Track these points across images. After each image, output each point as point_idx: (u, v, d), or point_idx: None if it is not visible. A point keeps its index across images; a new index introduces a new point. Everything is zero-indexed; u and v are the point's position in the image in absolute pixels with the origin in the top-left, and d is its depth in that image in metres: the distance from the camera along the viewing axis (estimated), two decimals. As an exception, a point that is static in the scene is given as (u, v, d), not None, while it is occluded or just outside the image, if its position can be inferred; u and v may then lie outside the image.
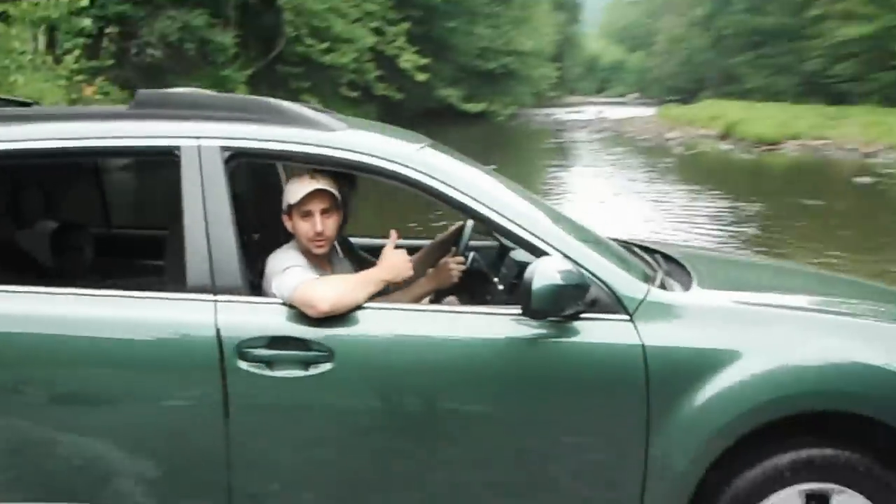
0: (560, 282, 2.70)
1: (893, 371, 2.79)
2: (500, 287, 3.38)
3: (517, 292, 2.89)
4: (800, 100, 42.52)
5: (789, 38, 48.87)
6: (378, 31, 28.61)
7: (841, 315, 3.14)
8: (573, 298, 2.71)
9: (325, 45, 26.06)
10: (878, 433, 2.89)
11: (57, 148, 3.07)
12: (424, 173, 2.98)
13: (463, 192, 3.00)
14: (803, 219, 13.14)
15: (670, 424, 2.69)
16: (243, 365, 2.78)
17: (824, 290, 3.63)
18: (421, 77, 29.80)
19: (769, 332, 2.85)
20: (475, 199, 2.97)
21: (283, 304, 2.92)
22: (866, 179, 18.51)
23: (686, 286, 3.13)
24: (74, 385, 2.85)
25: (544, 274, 2.71)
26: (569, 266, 2.78)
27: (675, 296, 3.01)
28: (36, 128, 3.13)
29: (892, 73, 37.33)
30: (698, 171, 22.13)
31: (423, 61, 29.86)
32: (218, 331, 2.81)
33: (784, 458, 2.83)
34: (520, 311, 2.76)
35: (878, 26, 37.57)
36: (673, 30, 66.56)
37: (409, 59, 29.52)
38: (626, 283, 2.87)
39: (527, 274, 2.76)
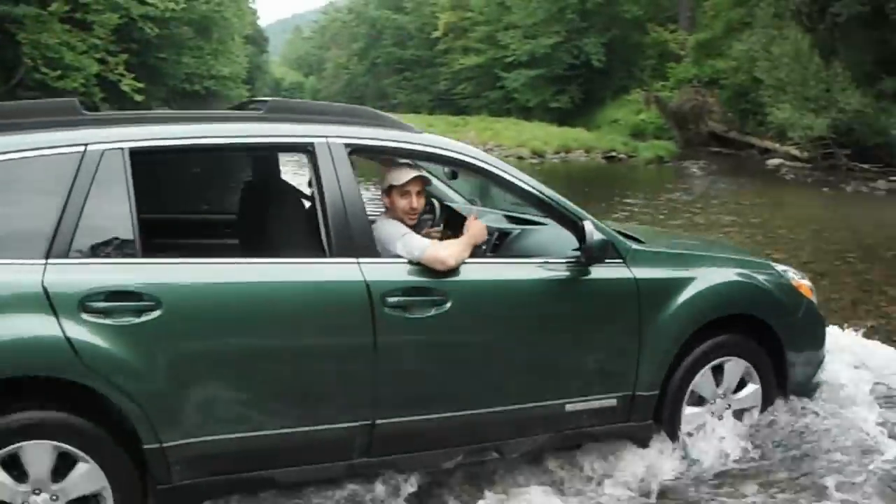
0: (604, 239, 3.96)
1: (769, 287, 4.46)
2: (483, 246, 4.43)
3: (513, 246, 4.33)
4: (433, 112, 46.65)
5: (425, 66, 54.07)
6: (102, 61, 29.87)
7: (735, 258, 4.60)
8: (605, 250, 3.93)
9: (57, 73, 27.16)
10: (757, 327, 4.43)
11: (217, 144, 3.51)
12: (488, 163, 3.95)
13: (514, 177, 4.02)
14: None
15: (653, 322, 3.98)
16: (386, 310, 3.49)
17: (718, 247, 5.17)
18: (139, 98, 31.44)
19: (704, 268, 4.24)
20: (525, 182, 3.98)
21: (410, 261, 3.64)
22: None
23: (643, 245, 4.44)
24: (262, 335, 3.31)
25: (595, 235, 3.87)
26: (599, 231, 3.98)
27: (644, 249, 4.25)
28: (198, 127, 3.55)
29: (497, 92, 42.49)
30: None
31: (140, 85, 31.39)
32: (367, 285, 3.46)
33: (705, 344, 4.25)
34: (574, 260, 3.91)
35: (486, 58, 43.24)
36: (337, 59, 73.09)
37: (128, 84, 30.63)
38: (620, 241, 4.17)
39: (588, 235, 3.84)
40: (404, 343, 3.67)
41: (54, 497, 3.16)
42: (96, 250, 3.20)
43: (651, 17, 37.79)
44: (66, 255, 3.12)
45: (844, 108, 19.56)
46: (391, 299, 3.62)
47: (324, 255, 3.60)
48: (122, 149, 3.25)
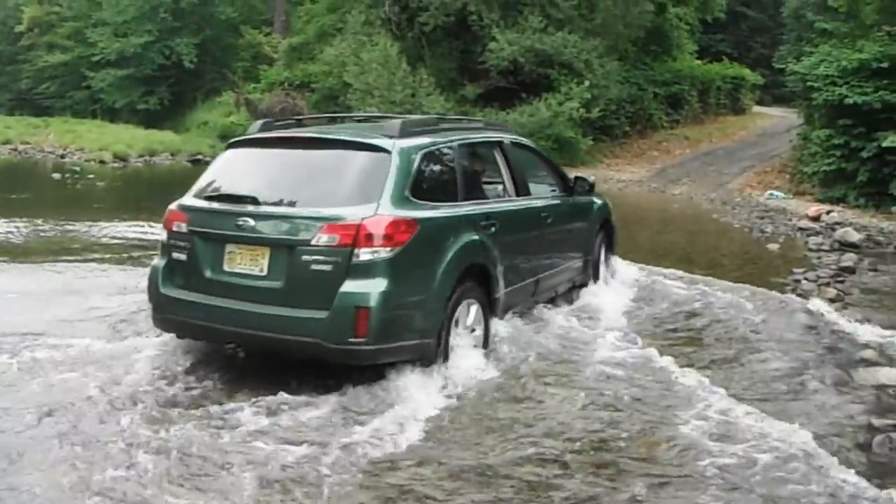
0: (593, 180, 8.45)
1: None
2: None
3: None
4: (13, 113, 41.11)
5: (6, 63, 47.78)
6: None
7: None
8: (593, 186, 7.92)
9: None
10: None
11: (487, 140, 6.52)
12: (539, 150, 8.09)
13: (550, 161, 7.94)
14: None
15: (602, 229, 8.27)
16: (545, 218, 6.74)
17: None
18: None
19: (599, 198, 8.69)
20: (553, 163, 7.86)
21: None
22: (58, 175, 19.17)
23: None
24: (528, 230, 6.37)
25: (588, 179, 7.96)
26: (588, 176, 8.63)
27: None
28: (477, 132, 6.57)
29: (83, 92, 38.13)
30: None
31: None
32: (538, 209, 6.71)
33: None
34: (569, 193, 7.49)
35: (73, 56, 38.55)
36: None
37: None
38: (590, 180, 7.88)
39: (589, 179, 7.72)
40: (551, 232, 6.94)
41: (472, 329, 5.38)
42: (476, 196, 5.99)
43: (246, 20, 36.25)
44: (467, 200, 5.66)
45: (428, 111, 19.02)
46: (545, 214, 6.76)
47: (515, 196, 6.50)
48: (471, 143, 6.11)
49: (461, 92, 20.21)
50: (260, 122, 5.99)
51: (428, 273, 5.00)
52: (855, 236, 11.20)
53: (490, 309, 5.68)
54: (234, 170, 5.56)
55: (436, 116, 7.16)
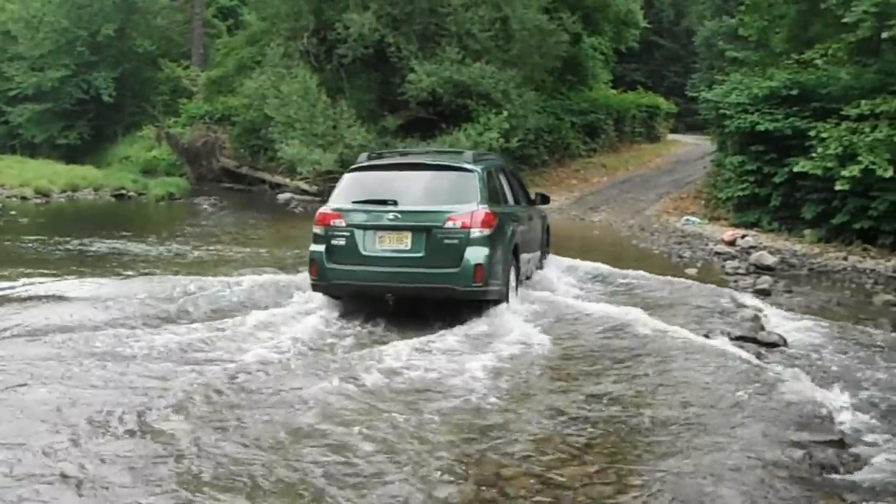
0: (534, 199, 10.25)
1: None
2: None
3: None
4: None
5: None
6: None
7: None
8: (548, 199, 10.27)
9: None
10: None
11: (500, 165, 9.00)
12: (515, 174, 11.11)
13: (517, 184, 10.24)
14: None
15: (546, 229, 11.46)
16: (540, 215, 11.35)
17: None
18: None
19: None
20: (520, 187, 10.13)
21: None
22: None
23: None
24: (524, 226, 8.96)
25: (545, 193, 10.70)
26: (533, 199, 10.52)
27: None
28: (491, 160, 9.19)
29: (1, 127, 34.86)
30: None
31: None
32: (538, 212, 10.31)
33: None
34: (532, 203, 9.88)
35: None
36: None
37: None
38: (545, 194, 10.44)
39: (545, 193, 10.69)
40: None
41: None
42: (507, 201, 8.60)
43: (164, 53, 34.77)
44: (506, 203, 8.37)
45: (351, 143, 18.62)
46: (529, 216, 9.35)
47: (514, 204, 8.93)
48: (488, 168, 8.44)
49: (382, 123, 19.86)
50: (365, 154, 8.42)
51: (503, 245, 7.64)
52: (770, 259, 11.19)
53: (517, 273, 8.40)
54: (364, 185, 7.78)
55: (473, 151, 9.34)
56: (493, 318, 7.53)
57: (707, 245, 12.64)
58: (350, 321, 7.45)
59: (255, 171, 24.53)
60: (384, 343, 6.63)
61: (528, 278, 9.25)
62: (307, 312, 7.76)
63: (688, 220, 15.91)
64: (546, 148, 23.31)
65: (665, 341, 6.33)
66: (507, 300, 7.89)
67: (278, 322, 7.33)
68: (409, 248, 7.41)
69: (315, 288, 7.89)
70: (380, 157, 8.85)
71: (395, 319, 7.52)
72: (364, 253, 7.57)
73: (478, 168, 8.03)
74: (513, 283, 8.20)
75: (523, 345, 6.59)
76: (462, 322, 7.36)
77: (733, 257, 11.42)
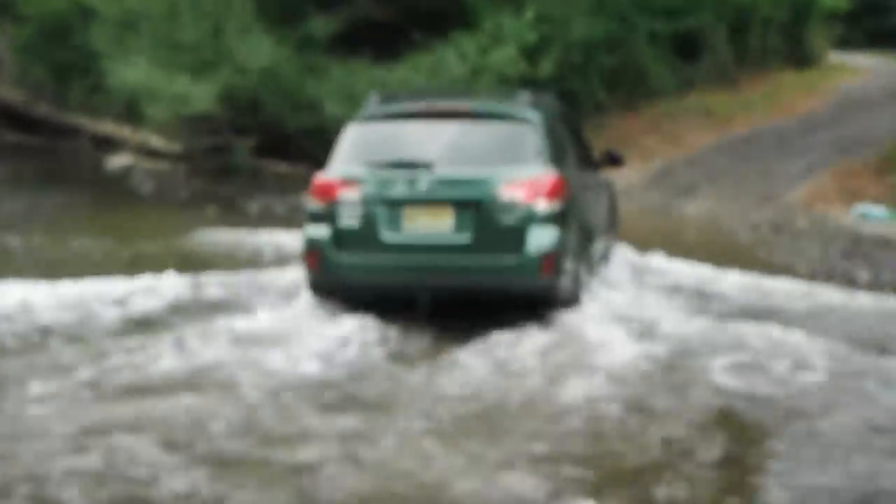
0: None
1: None
2: None
3: None
4: None
5: None
6: None
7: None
8: (618, 161, 10.84)
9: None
10: None
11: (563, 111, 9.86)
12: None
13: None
14: None
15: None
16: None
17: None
18: None
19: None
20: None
21: None
22: None
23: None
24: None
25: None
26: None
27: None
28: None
29: None
30: None
31: None
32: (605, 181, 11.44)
33: None
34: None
35: None
36: None
37: None
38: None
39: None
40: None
41: None
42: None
43: None
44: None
45: (245, 65, 17.95)
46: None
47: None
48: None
49: (303, 29, 19.10)
50: (376, 96, 8.90)
51: (576, 225, 8.40)
52: None
53: (588, 266, 9.22)
54: (382, 142, 8.37)
55: (528, 90, 9.49)
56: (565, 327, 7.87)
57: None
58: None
59: (63, 113, 22.59)
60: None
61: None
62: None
63: (866, 212, 15.69)
64: (604, 79, 22.37)
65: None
66: (579, 301, 8.20)
67: None
68: (450, 229, 7.91)
69: (316, 289, 8.13)
70: (396, 100, 8.86)
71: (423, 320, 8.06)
72: (387, 239, 7.94)
73: (540, 116, 8.13)
74: (584, 279, 8.40)
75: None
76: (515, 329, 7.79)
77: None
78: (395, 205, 7.87)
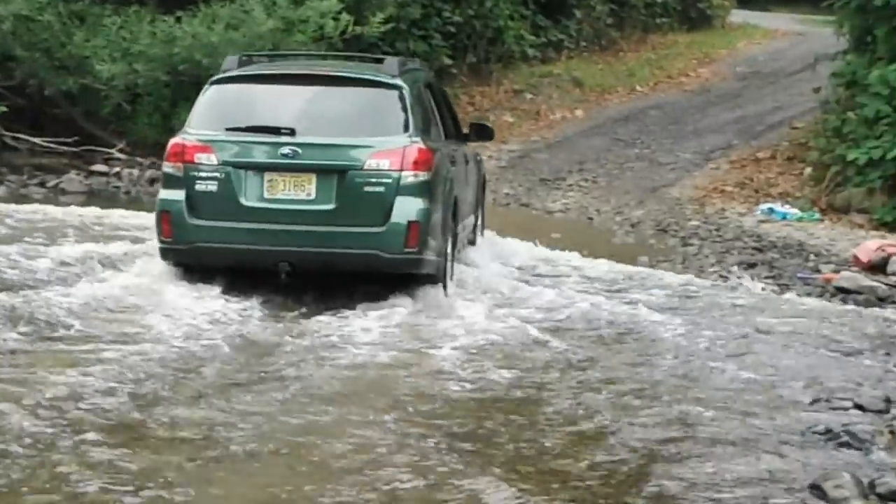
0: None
1: None
2: None
3: None
4: None
5: None
6: None
7: None
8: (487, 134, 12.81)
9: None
10: None
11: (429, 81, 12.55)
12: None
13: None
14: None
15: None
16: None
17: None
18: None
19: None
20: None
21: None
22: None
23: None
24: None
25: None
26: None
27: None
28: None
29: None
30: None
31: None
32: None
33: None
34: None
35: None
36: None
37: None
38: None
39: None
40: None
41: None
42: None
43: None
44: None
45: None
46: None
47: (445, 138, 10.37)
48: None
49: None
50: (234, 57, 9.87)
51: (443, 197, 9.54)
52: None
53: (454, 241, 10.45)
54: (242, 104, 9.19)
55: (397, 57, 11.28)
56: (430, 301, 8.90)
57: (817, 270, 12.33)
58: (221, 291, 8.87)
59: None
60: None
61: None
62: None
63: (769, 209, 15.38)
64: (450, 42, 21.72)
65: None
66: (446, 278, 9.01)
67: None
68: (313, 197, 8.57)
69: (167, 254, 8.60)
70: (258, 62, 9.69)
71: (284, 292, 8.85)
72: (247, 203, 8.53)
73: (408, 84, 8.78)
74: (450, 254, 9.15)
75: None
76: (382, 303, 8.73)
77: (879, 301, 10.48)
78: (256, 170, 8.58)
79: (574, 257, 11.98)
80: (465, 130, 11.28)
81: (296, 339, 8.10)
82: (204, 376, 7.13)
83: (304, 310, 8.77)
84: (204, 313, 8.47)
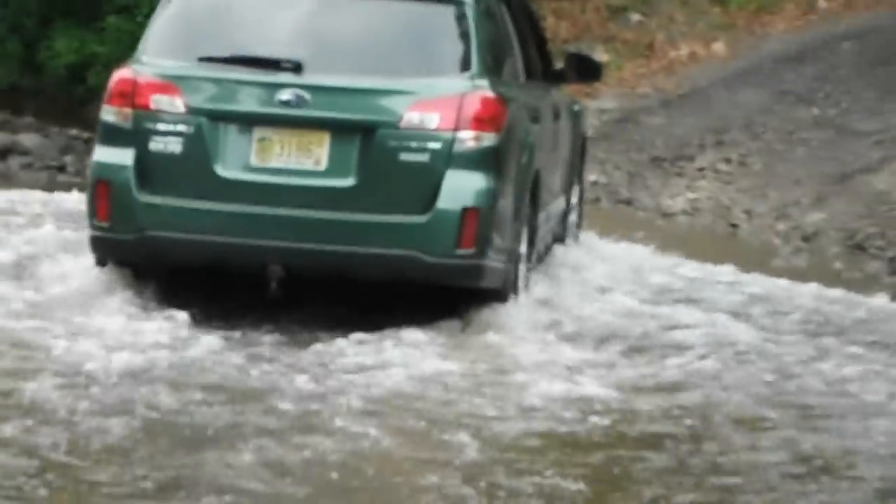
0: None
1: None
2: None
3: None
4: None
5: None
6: None
7: None
8: (593, 72, 10.78)
9: None
10: None
11: None
12: None
13: None
14: None
15: None
16: None
17: None
18: None
19: None
20: None
21: None
22: None
23: None
24: None
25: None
26: None
27: None
28: None
29: None
30: None
31: None
32: None
33: None
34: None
35: None
36: None
37: None
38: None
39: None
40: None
41: None
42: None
43: None
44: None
45: None
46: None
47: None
48: None
49: None
50: None
51: (518, 172, 7.97)
52: None
53: (531, 236, 8.59)
54: (221, 21, 7.52)
55: None
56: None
57: None
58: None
59: None
60: None
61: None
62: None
63: None
64: None
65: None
66: (515, 291, 7.39)
67: None
68: (323, 167, 6.85)
69: (102, 247, 6.97)
70: None
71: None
72: (225, 174, 6.79)
73: None
74: (523, 256, 7.71)
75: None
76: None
77: None
78: (241, 124, 6.83)
79: (728, 272, 9.81)
80: (559, 67, 9.25)
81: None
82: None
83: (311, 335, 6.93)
84: (148, 345, 6.35)
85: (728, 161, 14.68)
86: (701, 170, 14.51)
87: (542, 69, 9.25)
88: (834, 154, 14.70)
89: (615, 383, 6.40)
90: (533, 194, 7.87)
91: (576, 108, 10.10)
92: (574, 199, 10.32)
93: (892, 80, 17.29)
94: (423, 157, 6.97)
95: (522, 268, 7.86)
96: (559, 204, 9.43)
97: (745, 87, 17.33)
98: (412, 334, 6.85)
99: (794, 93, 16.90)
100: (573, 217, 10.20)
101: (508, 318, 7.29)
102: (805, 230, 12.54)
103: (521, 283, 7.81)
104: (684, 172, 14.69)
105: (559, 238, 9.65)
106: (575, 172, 10.09)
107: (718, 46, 18.60)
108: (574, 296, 8.37)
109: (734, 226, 13.03)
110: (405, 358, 6.62)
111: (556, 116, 9.08)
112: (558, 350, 6.95)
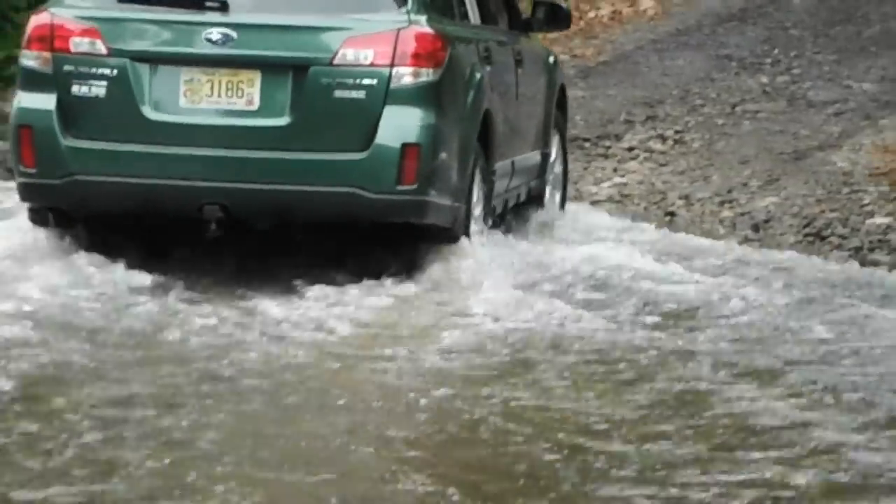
0: None
1: None
2: None
3: None
4: None
5: None
6: None
7: None
8: (562, 20, 11.39)
9: None
10: None
11: None
12: None
13: None
14: None
15: None
16: None
17: None
18: None
19: None
20: None
21: None
22: None
23: None
24: None
25: None
26: None
27: None
28: None
29: None
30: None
31: None
32: None
33: None
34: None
35: None
36: None
37: None
38: None
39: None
40: None
41: None
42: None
43: None
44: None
45: None
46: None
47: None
48: None
49: None
50: None
51: (463, 112, 8.28)
52: None
53: (485, 185, 9.06)
54: None
55: None
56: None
57: None
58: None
59: None
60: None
61: (500, 212, 9.04)
62: None
63: None
64: None
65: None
66: (464, 233, 7.32)
67: None
68: (256, 106, 6.83)
69: (30, 193, 7.02)
70: None
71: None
72: (153, 116, 6.82)
73: None
74: (476, 202, 7.60)
75: None
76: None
77: None
78: (167, 65, 6.86)
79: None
80: (527, 16, 9.53)
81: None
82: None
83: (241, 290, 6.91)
84: (88, 296, 6.68)
85: (662, 139, 14.05)
86: (630, 150, 14.03)
87: (508, 18, 9.15)
88: (786, 128, 14.07)
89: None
90: (484, 136, 7.68)
91: (550, 59, 10.22)
92: (553, 154, 10.08)
93: (852, 41, 17.16)
94: (360, 94, 7.02)
95: (478, 210, 7.79)
96: (531, 157, 9.26)
97: (680, 51, 17.29)
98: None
99: (737, 58, 16.68)
100: (555, 171, 10.12)
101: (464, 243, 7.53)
102: (755, 217, 11.87)
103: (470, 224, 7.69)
104: (610, 153, 14.19)
105: (537, 196, 9.47)
106: (551, 125, 10.03)
107: (647, 3, 18.55)
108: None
109: (671, 214, 12.28)
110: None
111: (519, 64, 8.97)
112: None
